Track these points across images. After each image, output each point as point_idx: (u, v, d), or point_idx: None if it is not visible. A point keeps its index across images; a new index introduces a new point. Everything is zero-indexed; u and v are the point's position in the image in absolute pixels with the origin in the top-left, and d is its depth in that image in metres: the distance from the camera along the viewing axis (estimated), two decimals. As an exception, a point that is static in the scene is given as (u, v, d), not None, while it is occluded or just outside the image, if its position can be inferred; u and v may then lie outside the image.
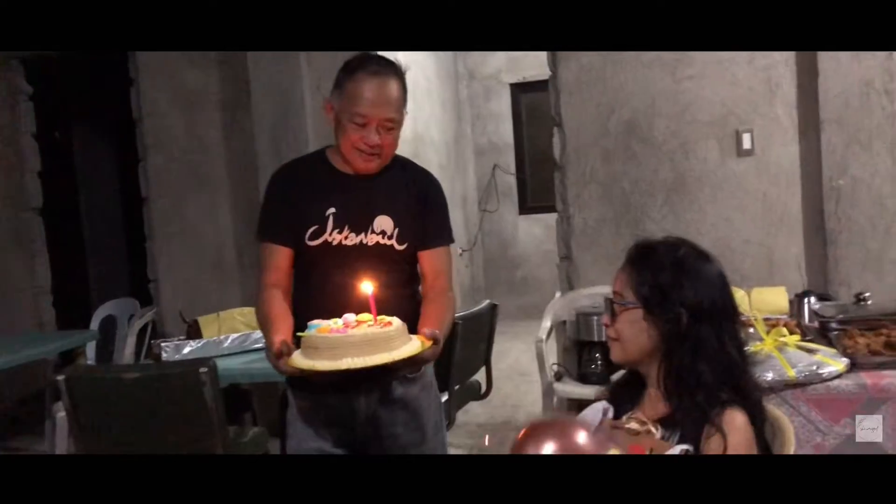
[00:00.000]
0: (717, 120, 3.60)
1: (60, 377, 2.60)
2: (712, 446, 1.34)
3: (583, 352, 3.49)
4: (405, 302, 2.01)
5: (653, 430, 1.44)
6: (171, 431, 2.60)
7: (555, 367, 3.54)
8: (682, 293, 1.43)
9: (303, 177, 2.00)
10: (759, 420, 1.42)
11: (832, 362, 2.04)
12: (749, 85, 3.56)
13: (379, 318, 1.72)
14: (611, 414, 1.56)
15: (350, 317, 1.72)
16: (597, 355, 3.44)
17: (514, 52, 6.37)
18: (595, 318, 3.40)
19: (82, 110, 5.66)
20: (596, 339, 3.43)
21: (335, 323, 1.71)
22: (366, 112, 1.89)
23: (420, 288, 2.08)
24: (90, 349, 4.04)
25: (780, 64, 3.51)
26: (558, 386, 3.44)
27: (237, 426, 3.11)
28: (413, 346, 1.69)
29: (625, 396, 1.57)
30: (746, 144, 3.59)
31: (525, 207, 6.71)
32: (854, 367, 2.07)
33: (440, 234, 2.06)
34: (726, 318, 1.46)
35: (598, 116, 3.70)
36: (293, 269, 2.02)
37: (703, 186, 3.63)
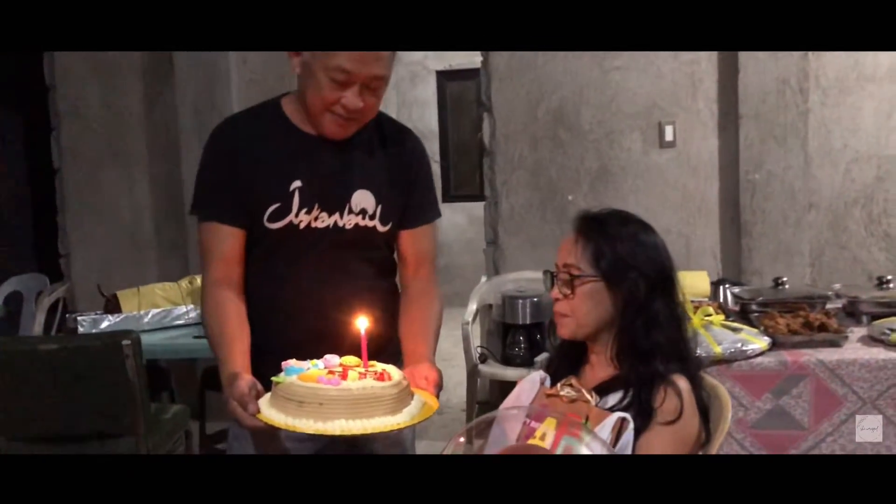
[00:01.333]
0: (641, 112, 3.70)
1: (-33, 348, 2.46)
2: (668, 408, 1.38)
3: (507, 335, 3.54)
4: (386, 298, 1.66)
5: (588, 396, 1.46)
6: (89, 407, 2.49)
7: (479, 350, 3.58)
8: (638, 263, 1.45)
9: (257, 138, 1.58)
10: (698, 386, 1.46)
11: (755, 340, 2.13)
12: (673, 79, 3.67)
13: (370, 363, 1.37)
14: (548, 383, 1.58)
15: (332, 359, 1.37)
16: (520, 338, 3.50)
17: (441, 40, 6.38)
18: (520, 301, 3.46)
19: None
20: (520, 322, 3.48)
21: (315, 366, 1.36)
22: (350, 67, 1.47)
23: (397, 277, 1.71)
24: (-7, 327, 3.84)
25: (703, 60, 3.63)
26: (483, 368, 3.48)
27: (157, 403, 3.03)
28: (417, 405, 1.36)
29: (563, 367, 1.58)
30: (669, 136, 3.70)
31: (448, 196, 6.73)
32: (775, 345, 2.16)
33: (426, 208, 1.71)
34: (673, 286, 1.49)
35: (528, 104, 3.75)
36: (245, 257, 1.58)
37: (627, 176, 3.73)
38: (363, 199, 1.60)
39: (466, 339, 3.47)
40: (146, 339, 2.81)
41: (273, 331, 1.58)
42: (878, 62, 3.52)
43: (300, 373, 1.33)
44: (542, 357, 3.25)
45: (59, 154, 4.16)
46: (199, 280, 3.17)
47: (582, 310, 1.47)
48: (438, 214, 1.76)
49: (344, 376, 1.31)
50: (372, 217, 1.61)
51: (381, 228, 1.63)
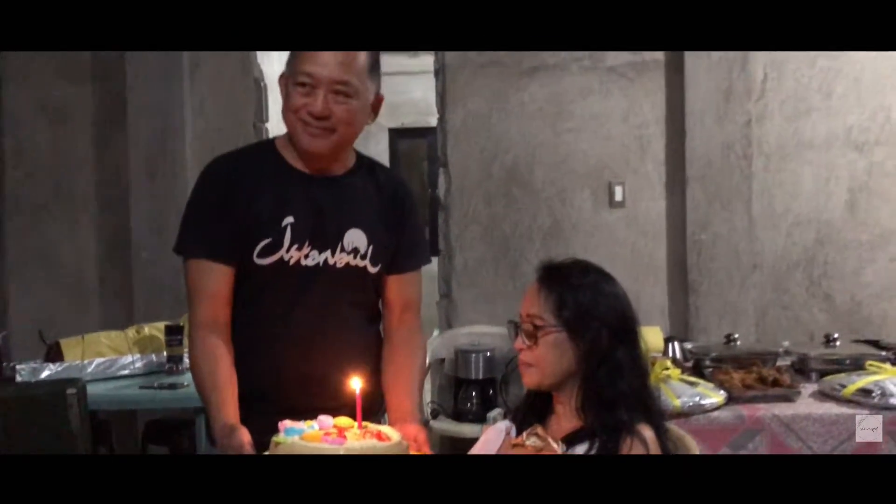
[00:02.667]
0: (591, 172, 3.79)
1: None
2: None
3: (459, 390, 3.52)
4: (373, 344, 1.65)
5: (554, 446, 1.46)
6: (28, 458, 2.38)
7: (431, 406, 3.54)
8: (601, 313, 1.46)
9: (249, 173, 1.57)
10: (663, 436, 1.48)
11: (712, 394, 2.17)
12: (622, 141, 3.78)
13: (364, 424, 1.36)
14: (513, 433, 1.58)
15: (326, 420, 1.36)
16: (473, 393, 3.48)
17: (393, 98, 6.47)
18: (473, 355, 3.45)
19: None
20: (473, 377, 3.47)
21: (311, 428, 1.35)
22: (312, 70, 1.49)
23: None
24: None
25: (652, 123, 3.76)
26: (434, 424, 3.44)
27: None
28: None
29: (529, 417, 1.58)
30: (618, 196, 3.79)
31: (397, 250, 6.72)
32: (731, 399, 2.20)
33: (415, 254, 1.70)
34: (635, 336, 1.51)
35: (482, 161, 3.81)
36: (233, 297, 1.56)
37: (578, 233, 3.79)
38: (356, 237, 1.60)
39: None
40: (89, 388, 2.71)
41: (258, 375, 1.56)
42: (815, 131, 3.69)
43: (301, 433, 1.32)
44: (495, 412, 3.25)
45: (2, 198, 4.04)
46: (146, 329, 3.10)
47: (546, 360, 1.47)
48: (428, 261, 1.76)
49: (342, 437, 1.31)
50: (363, 257, 1.60)
51: (371, 269, 1.62)
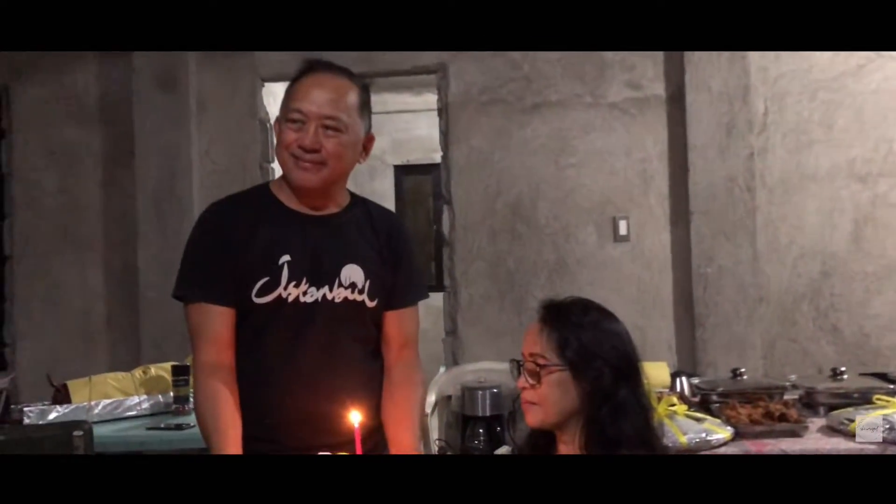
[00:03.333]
0: (595, 207, 3.81)
1: None
2: None
3: (466, 427, 3.50)
4: (375, 379, 1.65)
5: None
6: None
7: (438, 443, 3.52)
8: (604, 352, 1.47)
9: (245, 215, 1.60)
10: None
11: (719, 430, 2.15)
12: (626, 176, 3.80)
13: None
14: None
15: None
16: (480, 430, 3.46)
17: (398, 136, 6.53)
18: (480, 392, 3.44)
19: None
20: (480, 413, 3.45)
21: None
22: (301, 106, 1.54)
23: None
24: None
25: (654, 158, 3.78)
26: (442, 461, 3.42)
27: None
28: None
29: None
30: (623, 231, 3.80)
31: (403, 286, 6.72)
32: (738, 435, 2.19)
33: (412, 289, 1.72)
34: (638, 374, 1.51)
35: (486, 197, 3.83)
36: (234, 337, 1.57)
37: (583, 268, 3.80)
38: (352, 272, 1.62)
39: (425, 432, 3.42)
40: (96, 430, 2.70)
41: (261, 414, 1.57)
42: (818, 164, 3.70)
43: None
44: (503, 450, 3.23)
45: (11, 241, 4.08)
46: (153, 370, 3.11)
47: (550, 399, 1.47)
48: (425, 295, 1.78)
49: None
50: (361, 291, 1.62)
51: (369, 304, 1.63)
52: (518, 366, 1.53)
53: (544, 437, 1.56)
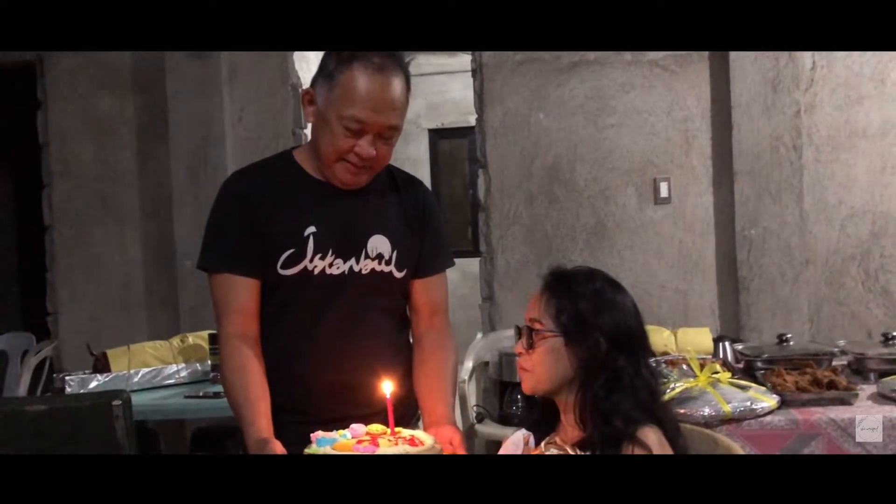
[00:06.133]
0: (635, 168, 3.71)
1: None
2: None
3: (504, 392, 3.47)
4: (403, 350, 1.64)
5: (571, 453, 1.43)
6: (75, 470, 2.41)
7: (476, 409, 3.50)
8: (601, 322, 1.42)
9: (269, 185, 1.57)
10: (676, 438, 1.42)
11: (765, 398, 2.08)
12: (667, 136, 3.69)
13: (396, 429, 1.36)
14: (532, 442, 1.55)
15: (359, 428, 1.36)
16: (518, 396, 3.43)
17: (433, 98, 6.45)
18: (517, 358, 3.40)
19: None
20: (518, 379, 3.42)
21: (343, 437, 1.34)
22: (364, 117, 1.47)
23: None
24: (-25, 387, 3.74)
25: (697, 117, 3.66)
26: (480, 427, 3.40)
27: (146, 467, 2.93)
28: None
29: (542, 424, 1.56)
30: (664, 193, 3.70)
31: (440, 252, 6.70)
32: (784, 403, 2.12)
33: (439, 257, 1.69)
34: (640, 346, 1.47)
35: (522, 160, 3.75)
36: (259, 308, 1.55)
37: (622, 232, 3.72)
38: (379, 243, 1.59)
39: (463, 399, 3.40)
40: (135, 399, 2.73)
41: (289, 386, 1.55)
42: (869, 119, 3.55)
43: (333, 443, 1.33)
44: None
45: (51, 211, 4.12)
46: (190, 338, 3.12)
47: (541, 365, 1.45)
48: (451, 263, 1.74)
49: (374, 444, 1.32)
50: (388, 262, 1.59)
51: (397, 274, 1.61)
52: (519, 331, 1.51)
53: (549, 406, 1.53)
